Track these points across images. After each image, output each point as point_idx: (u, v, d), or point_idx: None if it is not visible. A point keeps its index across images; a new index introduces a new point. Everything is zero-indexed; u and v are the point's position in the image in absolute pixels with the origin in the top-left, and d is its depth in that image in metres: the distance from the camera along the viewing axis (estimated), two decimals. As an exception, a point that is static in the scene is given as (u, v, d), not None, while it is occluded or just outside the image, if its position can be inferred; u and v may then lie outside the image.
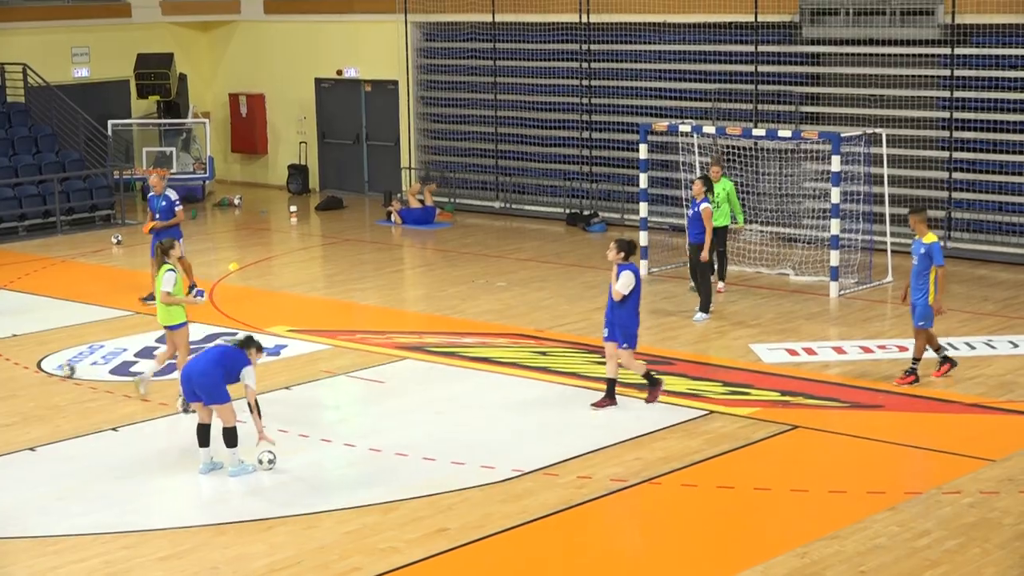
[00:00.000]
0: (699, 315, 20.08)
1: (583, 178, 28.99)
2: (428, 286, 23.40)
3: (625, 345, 15.84)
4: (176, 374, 16.00)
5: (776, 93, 26.18)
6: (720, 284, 21.39)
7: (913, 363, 16.68)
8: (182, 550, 12.29)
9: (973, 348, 18.29)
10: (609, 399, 16.03)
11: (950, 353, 17.27)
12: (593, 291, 21.76)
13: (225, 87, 34.96)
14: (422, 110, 31.63)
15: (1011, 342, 18.55)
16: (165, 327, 16.45)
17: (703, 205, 20.03)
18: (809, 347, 18.51)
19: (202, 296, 16.83)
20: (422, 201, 29.03)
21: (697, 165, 24.14)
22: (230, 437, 14.08)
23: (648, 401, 16.13)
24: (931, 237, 16.37)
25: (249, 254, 25.98)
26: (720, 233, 21.07)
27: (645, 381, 16.20)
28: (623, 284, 15.65)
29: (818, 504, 13.20)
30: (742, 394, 16.55)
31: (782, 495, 13.40)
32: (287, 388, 17.05)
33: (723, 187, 21.26)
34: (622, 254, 15.76)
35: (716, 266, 21.12)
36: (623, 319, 15.81)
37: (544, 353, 18.52)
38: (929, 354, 16.83)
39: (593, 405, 15.95)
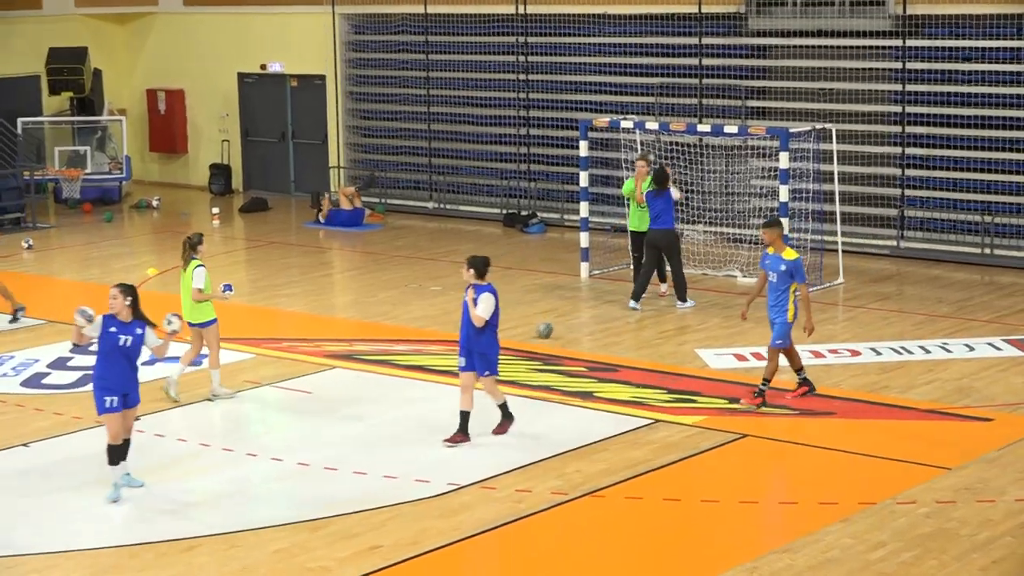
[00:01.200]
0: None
1: (521, 177, 28.82)
2: (358, 291, 23.18)
3: (487, 373, 14.94)
4: (203, 364, 16.72)
5: (722, 87, 26.10)
6: (663, 287, 21.23)
7: (763, 383, 16.17)
8: (94, 573, 11.99)
9: (928, 352, 18.26)
10: (462, 434, 15.08)
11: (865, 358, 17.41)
12: (532, 295, 21.79)
13: (143, 82, 34.50)
14: (351, 106, 31.40)
15: (967, 345, 18.50)
16: (193, 325, 16.43)
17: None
18: (758, 352, 18.23)
19: (231, 290, 16.82)
20: (352, 202, 28.54)
21: (640, 163, 23.88)
22: (110, 454, 13.54)
23: (496, 433, 15.15)
24: (791, 253, 16.07)
25: (169, 259, 25.20)
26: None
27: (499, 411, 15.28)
28: (484, 309, 14.64)
29: (768, 516, 13.20)
30: (688, 402, 16.40)
31: (731, 507, 13.25)
32: (210, 400, 16.82)
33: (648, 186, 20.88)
34: (472, 271, 14.78)
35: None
36: (483, 346, 14.83)
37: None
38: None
39: (446, 441, 15.03)
